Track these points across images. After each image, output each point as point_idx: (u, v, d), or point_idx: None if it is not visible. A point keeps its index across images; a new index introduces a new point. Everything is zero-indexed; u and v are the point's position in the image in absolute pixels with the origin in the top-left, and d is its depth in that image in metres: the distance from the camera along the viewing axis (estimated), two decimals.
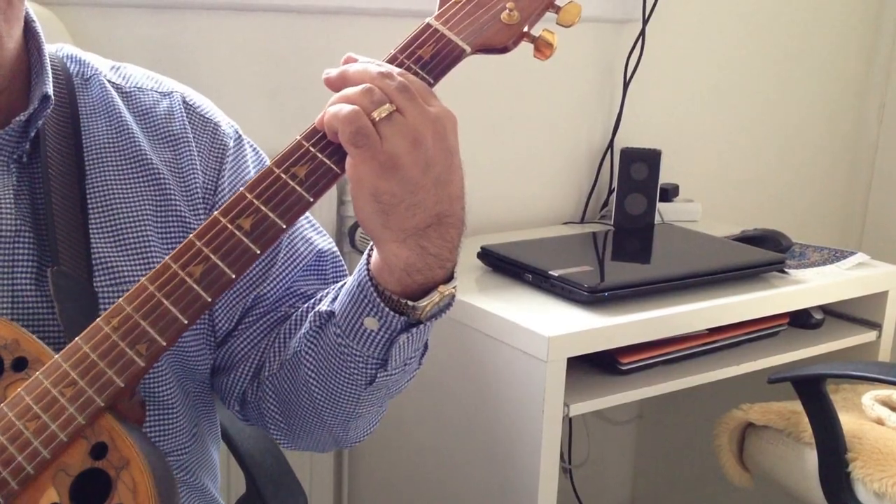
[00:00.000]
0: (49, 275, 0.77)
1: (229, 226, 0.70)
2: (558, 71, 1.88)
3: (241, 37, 1.56)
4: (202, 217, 0.88)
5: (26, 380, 0.69)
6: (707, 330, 1.53)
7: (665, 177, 1.93)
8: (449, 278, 0.76)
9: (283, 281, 0.92)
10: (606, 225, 1.94)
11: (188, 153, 0.89)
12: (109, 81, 0.90)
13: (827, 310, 1.74)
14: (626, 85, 1.97)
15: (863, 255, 1.76)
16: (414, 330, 0.77)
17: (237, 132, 0.95)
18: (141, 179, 0.86)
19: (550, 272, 1.47)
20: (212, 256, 0.69)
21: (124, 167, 0.86)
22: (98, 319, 0.70)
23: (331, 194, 1.60)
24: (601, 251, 1.78)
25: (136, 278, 0.79)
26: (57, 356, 0.69)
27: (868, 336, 1.73)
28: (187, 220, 0.87)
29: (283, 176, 0.70)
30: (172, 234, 0.87)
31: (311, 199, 0.70)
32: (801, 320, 1.69)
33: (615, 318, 1.40)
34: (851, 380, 1.60)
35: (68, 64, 0.90)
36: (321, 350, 0.83)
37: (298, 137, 0.72)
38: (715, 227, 1.92)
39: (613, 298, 1.45)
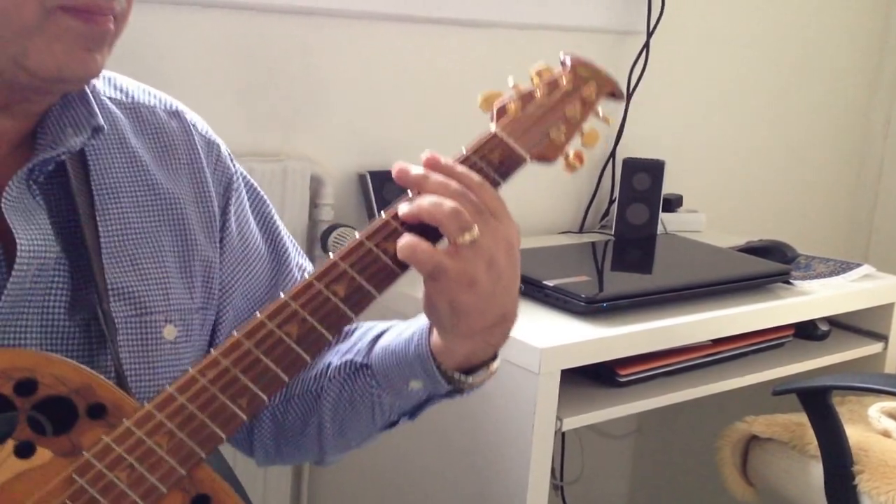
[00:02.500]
0: (100, 314, 0.78)
1: (325, 290, 0.73)
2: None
3: (209, 33, 1.51)
4: (217, 248, 0.90)
5: (107, 428, 0.68)
6: (710, 341, 1.51)
7: (669, 187, 1.92)
8: (495, 356, 0.84)
9: None
10: (606, 235, 1.92)
11: (204, 183, 0.90)
12: (110, 98, 0.87)
13: (833, 321, 1.72)
14: (629, 95, 1.96)
15: (869, 267, 1.75)
16: (456, 396, 0.85)
17: (228, 152, 0.96)
18: (157, 208, 0.86)
19: (545, 282, 1.45)
20: (309, 318, 0.73)
21: (139, 195, 0.85)
22: (191, 371, 0.70)
23: (302, 198, 1.57)
24: (600, 261, 1.76)
25: (156, 308, 0.82)
26: (147, 406, 0.69)
27: (874, 348, 1.71)
28: (205, 250, 0.88)
29: (375, 251, 0.75)
30: (190, 264, 0.87)
31: (399, 272, 0.75)
32: (807, 332, 1.67)
33: (614, 329, 1.37)
34: (857, 392, 1.58)
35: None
36: (347, 394, 0.87)
37: (385, 216, 0.77)
38: (719, 237, 1.90)
39: (612, 309, 1.42)
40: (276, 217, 1.00)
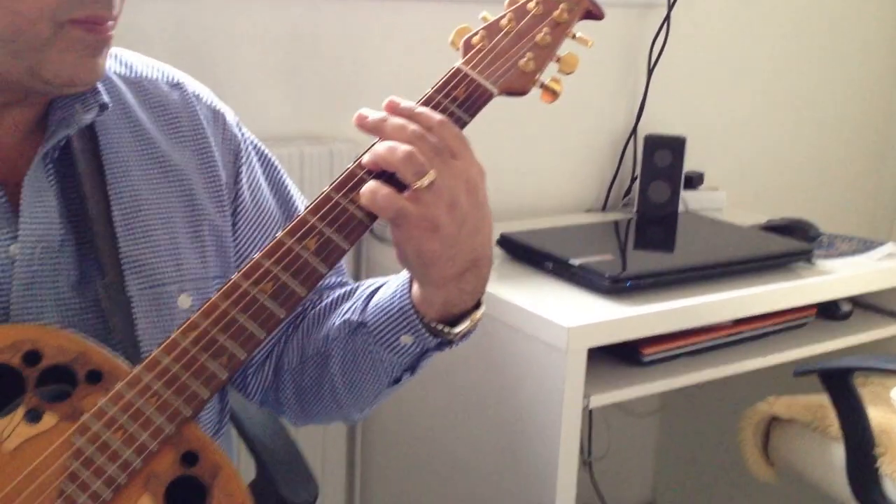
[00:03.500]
0: (100, 287, 0.80)
1: (296, 247, 0.74)
2: (581, 56, 1.83)
3: (257, 20, 1.54)
4: (228, 215, 0.91)
5: (104, 392, 0.71)
6: (732, 321, 1.50)
7: (690, 164, 1.90)
8: (478, 305, 0.83)
9: None
10: (629, 213, 1.91)
11: (209, 152, 0.91)
12: (115, 74, 0.89)
13: (855, 301, 1.71)
14: (650, 71, 1.94)
15: (893, 245, 1.73)
16: (445, 347, 0.85)
17: (237, 121, 0.97)
18: (165, 180, 0.87)
19: (571, 261, 1.45)
20: (281, 275, 0.73)
21: (147, 168, 0.86)
22: (173, 334, 0.72)
23: None
24: (623, 240, 1.75)
25: (169, 279, 0.84)
26: (136, 369, 0.72)
27: None
28: (214, 220, 0.89)
29: (342, 202, 0.75)
30: (200, 234, 0.88)
31: (368, 223, 0.75)
32: (829, 312, 1.66)
33: (637, 308, 1.38)
34: (880, 373, 1.57)
35: None
36: (350, 354, 0.88)
37: (350, 167, 0.77)
38: (740, 216, 1.89)
39: (636, 288, 1.43)
40: (290, 182, 1.01)
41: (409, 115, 0.76)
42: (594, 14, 0.85)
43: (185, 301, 0.85)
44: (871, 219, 2.50)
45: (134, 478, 0.69)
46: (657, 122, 1.96)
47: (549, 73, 0.83)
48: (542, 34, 0.82)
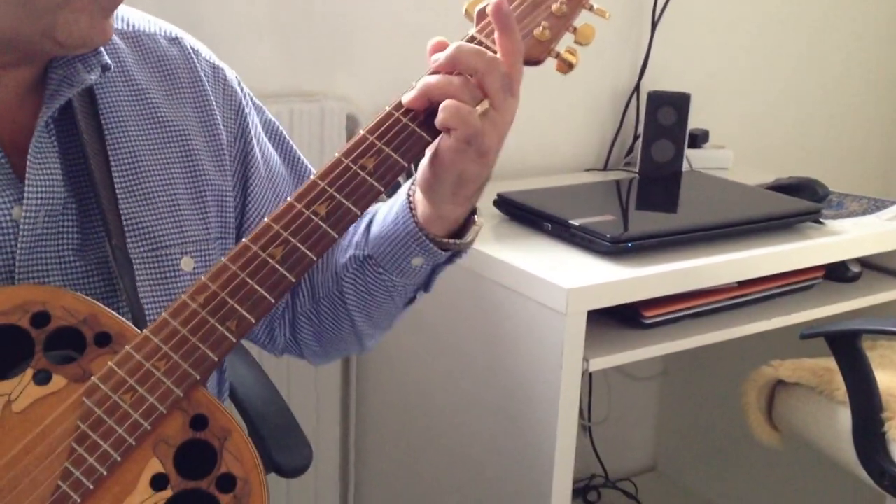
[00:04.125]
0: (109, 249, 0.80)
1: (305, 210, 0.75)
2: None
3: None
4: (229, 176, 0.91)
5: (112, 354, 0.71)
6: (737, 283, 1.48)
7: (694, 122, 1.87)
8: (474, 211, 0.86)
9: None
10: (631, 172, 1.89)
11: (209, 110, 0.90)
12: (114, 30, 0.87)
13: (865, 262, 1.68)
14: (654, 25, 1.90)
15: None
16: (456, 259, 0.88)
17: (237, 76, 0.96)
18: (165, 141, 0.87)
19: (571, 221, 1.42)
20: (291, 239, 0.74)
21: (147, 129, 0.86)
22: (182, 296, 0.73)
23: (340, 137, 1.56)
24: (625, 200, 1.72)
25: (171, 242, 0.84)
26: (146, 331, 0.72)
27: None
28: (215, 181, 0.89)
29: (403, 118, 0.78)
30: (202, 196, 0.88)
31: (430, 138, 0.77)
32: (837, 273, 1.64)
33: (639, 270, 1.35)
34: (889, 336, 1.56)
35: None
36: (363, 288, 0.91)
37: (388, 108, 0.78)
38: (747, 174, 1.86)
39: (637, 249, 1.40)
40: (287, 135, 1.01)
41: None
42: None
43: (187, 263, 0.86)
44: (883, 177, 2.46)
45: (143, 440, 0.69)
46: (661, 79, 1.93)
47: (564, 44, 0.84)
48: (558, 4, 0.82)
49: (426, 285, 0.92)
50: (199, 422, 0.71)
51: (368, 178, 0.76)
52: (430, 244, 0.84)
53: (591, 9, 0.84)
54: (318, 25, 1.58)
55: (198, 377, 0.71)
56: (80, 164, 0.81)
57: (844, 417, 1.42)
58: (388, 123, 0.77)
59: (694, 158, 1.89)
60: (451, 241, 0.85)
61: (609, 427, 2.08)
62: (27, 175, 0.77)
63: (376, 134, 0.77)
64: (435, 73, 0.77)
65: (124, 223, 0.82)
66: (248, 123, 0.93)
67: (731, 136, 2.04)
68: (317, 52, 1.59)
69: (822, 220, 1.59)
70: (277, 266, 0.73)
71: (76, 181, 0.81)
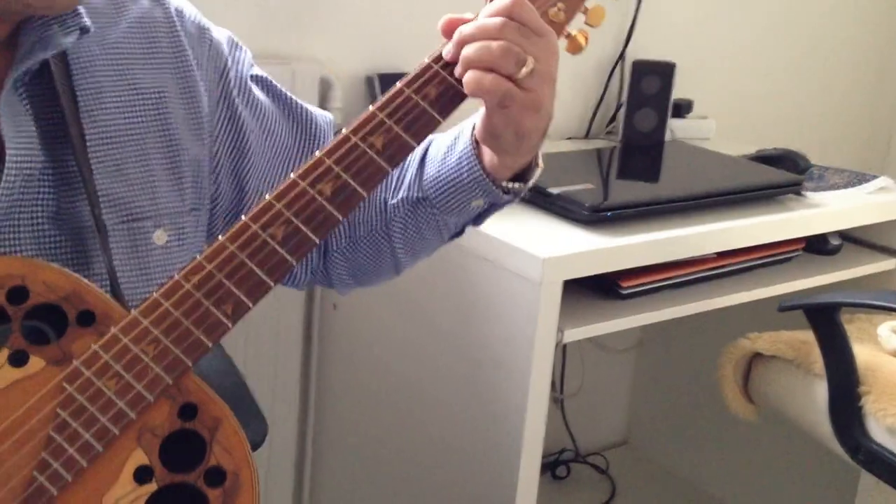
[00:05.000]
0: (93, 220, 0.76)
1: (310, 189, 0.71)
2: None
3: None
4: (207, 144, 0.87)
5: (96, 335, 0.67)
6: (716, 254, 1.47)
7: (678, 92, 1.85)
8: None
9: None
10: (613, 141, 1.87)
11: (189, 75, 0.86)
12: None
13: (845, 235, 1.68)
14: None
15: (886, 179, 1.70)
16: (515, 199, 0.88)
17: (229, 36, 0.93)
18: (141, 108, 0.83)
19: (549, 189, 1.40)
20: (293, 220, 0.70)
21: (122, 95, 0.82)
22: (176, 276, 0.69)
23: (311, 101, 1.52)
24: (606, 168, 1.71)
25: (145, 214, 0.81)
26: (134, 312, 0.68)
27: (887, 264, 1.67)
28: (191, 150, 0.85)
29: (414, 96, 0.75)
30: (177, 166, 0.84)
31: (440, 119, 0.75)
32: (817, 246, 1.64)
33: (617, 240, 1.34)
34: (868, 309, 1.53)
35: None
36: (413, 225, 0.91)
37: (427, 61, 0.77)
38: (729, 145, 1.85)
39: (616, 218, 1.39)
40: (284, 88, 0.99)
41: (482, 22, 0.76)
42: None
43: (160, 237, 0.82)
44: (865, 150, 2.46)
45: (127, 430, 0.65)
46: (646, 48, 1.90)
47: (575, 25, 0.83)
48: None
49: (476, 220, 0.92)
50: (188, 411, 0.67)
51: (377, 157, 0.73)
52: (496, 190, 0.84)
53: None
54: None
55: (189, 364, 0.67)
56: (57, 131, 0.77)
57: (821, 391, 1.42)
58: (398, 101, 0.75)
59: (677, 128, 1.87)
60: (516, 184, 0.85)
61: (581, 400, 2.06)
62: (4, 136, 0.73)
63: (386, 111, 0.74)
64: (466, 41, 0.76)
65: (98, 193, 0.78)
66: (231, 85, 0.90)
67: (715, 107, 2.02)
68: (290, 14, 1.55)
69: (803, 192, 1.58)
70: (278, 247, 0.70)
71: (53, 148, 0.77)
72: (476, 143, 0.84)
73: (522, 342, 1.28)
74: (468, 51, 0.74)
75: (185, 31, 0.87)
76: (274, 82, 0.96)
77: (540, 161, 0.86)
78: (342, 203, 0.71)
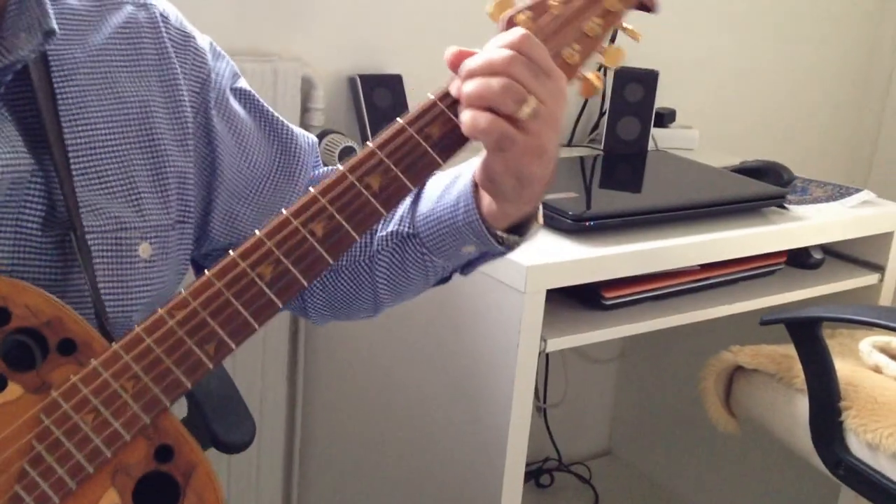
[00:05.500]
0: (74, 240, 0.74)
1: (302, 229, 0.69)
2: None
3: None
4: (191, 155, 0.85)
5: (76, 365, 0.66)
6: (699, 266, 1.46)
7: (661, 100, 1.84)
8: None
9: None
10: (595, 149, 1.86)
11: (174, 84, 0.84)
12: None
13: (827, 249, 1.68)
14: None
15: (869, 193, 1.70)
16: (507, 251, 0.83)
17: (211, 43, 0.91)
18: (125, 118, 0.80)
19: None
20: (283, 260, 0.68)
21: (106, 104, 0.80)
22: (160, 311, 0.67)
23: (294, 101, 1.51)
24: (589, 177, 1.70)
25: (130, 225, 0.79)
26: (115, 346, 0.66)
27: (869, 279, 1.67)
28: (177, 161, 0.83)
29: (416, 136, 0.71)
30: (163, 178, 0.82)
31: (442, 161, 0.72)
32: (800, 259, 1.63)
33: (600, 250, 1.33)
34: (849, 324, 1.54)
35: None
36: (398, 263, 0.87)
37: (432, 97, 0.72)
38: (713, 156, 1.84)
39: (599, 228, 1.38)
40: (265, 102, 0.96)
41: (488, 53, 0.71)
42: (646, 6, 0.78)
43: (145, 250, 0.80)
44: (849, 163, 2.47)
45: (102, 468, 0.65)
46: (630, 56, 1.87)
47: (590, 65, 0.79)
48: (592, 23, 0.75)
49: (465, 268, 0.89)
50: (164, 452, 0.66)
51: (372, 199, 0.70)
52: (490, 238, 0.80)
53: (623, 28, 0.78)
54: None
55: (168, 404, 0.66)
56: (40, 139, 0.75)
57: (802, 405, 1.41)
58: (398, 140, 0.71)
59: (660, 138, 1.86)
60: (512, 237, 0.80)
61: (564, 409, 2.06)
62: None
63: (386, 150, 0.71)
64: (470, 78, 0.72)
65: (80, 203, 0.76)
66: (209, 94, 0.87)
67: (699, 117, 2.02)
68: (272, 11, 1.53)
69: (786, 205, 1.58)
70: (265, 289, 0.67)
71: (41, 153, 0.75)
72: (476, 187, 0.80)
73: (506, 350, 1.27)
74: (468, 87, 0.70)
75: (170, 37, 0.85)
76: (258, 98, 0.94)
77: (540, 217, 0.82)
78: (333, 245, 0.69)
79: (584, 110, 1.90)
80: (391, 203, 0.71)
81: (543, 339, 1.28)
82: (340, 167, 0.70)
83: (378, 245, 0.87)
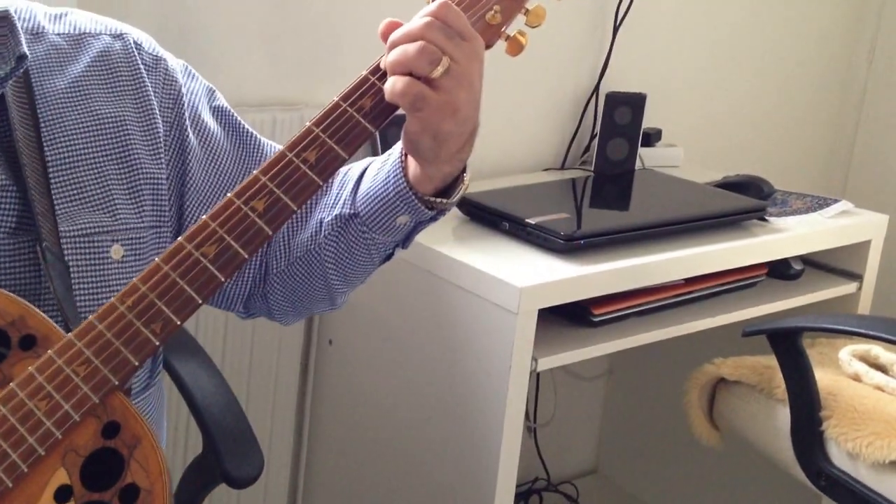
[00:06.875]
0: (39, 250, 0.78)
1: (243, 206, 0.73)
2: (548, 13, 1.79)
3: None
4: (164, 165, 0.90)
5: (35, 358, 0.69)
6: (684, 280, 1.50)
7: (649, 121, 1.88)
8: (464, 168, 0.85)
9: None
10: (587, 171, 1.89)
11: (147, 101, 0.90)
12: (57, 34, 0.89)
13: (807, 260, 1.71)
14: (616, 28, 1.90)
15: (846, 203, 1.72)
16: (440, 217, 0.87)
17: (184, 65, 0.97)
18: (100, 133, 0.87)
19: (527, 220, 1.43)
20: (226, 237, 0.72)
21: (83, 122, 0.86)
22: (112, 299, 0.71)
23: None
24: (580, 198, 1.74)
25: (102, 229, 0.83)
26: (70, 335, 0.70)
27: (848, 288, 1.70)
28: (150, 170, 0.89)
29: (349, 109, 0.76)
30: (135, 185, 0.88)
31: (373, 129, 0.76)
32: (780, 271, 1.66)
33: (590, 268, 1.36)
34: (829, 333, 1.54)
35: (15, 17, 0.87)
36: (344, 245, 0.90)
37: (365, 73, 0.78)
38: (697, 172, 1.87)
39: (589, 247, 1.41)
40: (248, 125, 1.00)
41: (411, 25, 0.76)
42: None
43: (117, 252, 0.85)
44: (826, 175, 2.49)
45: (53, 450, 0.68)
46: (620, 80, 1.93)
47: (516, 26, 0.82)
48: None
49: (405, 241, 0.91)
50: (110, 429, 0.69)
51: (309, 171, 0.74)
52: (417, 203, 0.83)
53: None
54: (302, 34, 1.56)
55: (116, 382, 0.69)
56: (14, 154, 0.80)
57: (783, 416, 1.42)
58: (334, 115, 0.76)
59: (647, 157, 1.89)
60: (438, 199, 0.84)
61: (553, 428, 2.03)
62: None
63: (322, 126, 0.76)
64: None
65: (56, 210, 0.81)
66: (183, 110, 0.93)
67: (684, 135, 2.05)
68: (300, 62, 1.57)
69: (766, 217, 1.61)
70: (209, 265, 0.72)
71: (15, 166, 0.80)
72: (405, 157, 0.84)
73: (499, 370, 1.29)
74: (391, 56, 0.75)
75: (143, 60, 0.92)
76: (233, 114, 0.99)
77: (467, 178, 0.85)
78: (272, 217, 0.73)
79: (577, 134, 1.93)
80: (326, 173, 0.75)
81: (535, 359, 1.30)
82: (281, 147, 0.75)
83: (325, 230, 0.90)
